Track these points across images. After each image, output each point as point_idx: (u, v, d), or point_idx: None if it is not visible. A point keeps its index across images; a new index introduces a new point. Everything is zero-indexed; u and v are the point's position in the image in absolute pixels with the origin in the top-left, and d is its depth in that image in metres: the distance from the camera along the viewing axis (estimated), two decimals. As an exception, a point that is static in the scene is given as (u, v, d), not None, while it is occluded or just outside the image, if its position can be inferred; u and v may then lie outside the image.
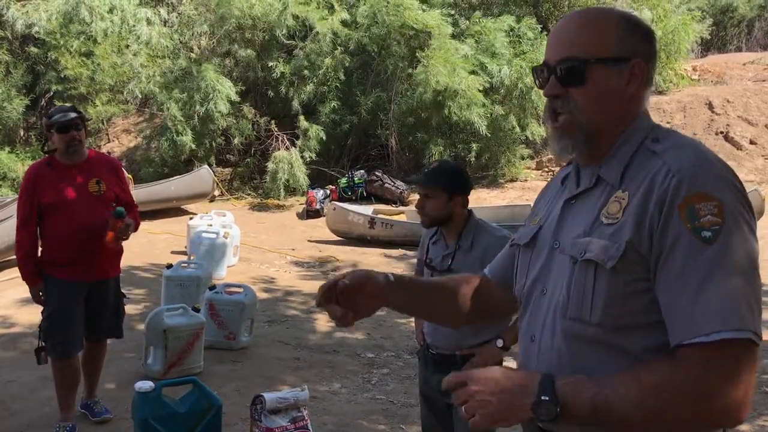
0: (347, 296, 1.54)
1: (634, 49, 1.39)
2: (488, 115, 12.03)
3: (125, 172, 4.50)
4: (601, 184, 1.41)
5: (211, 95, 12.40)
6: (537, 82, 1.48)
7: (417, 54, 12.32)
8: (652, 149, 1.36)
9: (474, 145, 12.42)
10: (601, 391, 1.24)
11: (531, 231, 1.54)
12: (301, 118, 12.81)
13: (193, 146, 12.81)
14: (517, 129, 12.38)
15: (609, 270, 1.30)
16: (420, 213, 2.91)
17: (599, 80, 1.38)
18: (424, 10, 12.34)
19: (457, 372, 1.38)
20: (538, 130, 12.59)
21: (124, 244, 4.19)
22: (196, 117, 12.63)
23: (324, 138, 12.61)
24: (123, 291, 4.36)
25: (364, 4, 12.56)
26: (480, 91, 11.98)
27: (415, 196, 11.40)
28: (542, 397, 1.26)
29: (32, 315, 4.26)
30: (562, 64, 1.40)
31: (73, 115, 3.95)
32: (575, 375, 1.30)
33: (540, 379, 1.29)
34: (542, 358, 1.42)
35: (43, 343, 4.01)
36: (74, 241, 3.93)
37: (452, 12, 13.37)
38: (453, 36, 12.64)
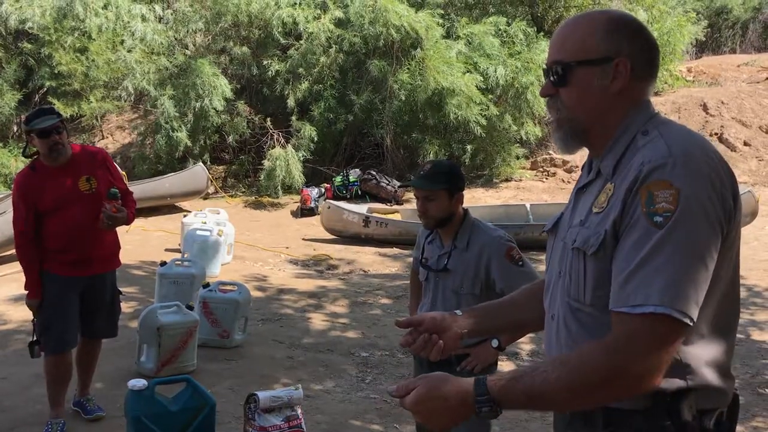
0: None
1: (618, 48, 1.47)
2: (484, 115, 12.02)
3: (118, 168, 4.46)
4: (600, 177, 1.52)
5: (207, 92, 12.37)
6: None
7: (411, 53, 12.31)
8: (638, 143, 1.44)
9: (469, 145, 12.43)
10: (533, 380, 1.37)
11: (554, 218, 1.68)
12: (294, 116, 12.80)
13: (189, 143, 12.78)
14: (513, 128, 12.40)
15: (591, 256, 1.43)
16: (423, 216, 2.86)
17: (581, 81, 1.49)
18: (411, 13, 12.25)
19: (399, 387, 1.49)
20: (533, 130, 12.60)
21: (119, 239, 4.17)
22: (191, 114, 12.59)
23: (316, 137, 12.59)
24: (119, 289, 4.33)
25: (353, 3, 12.54)
26: (477, 88, 11.98)
27: (410, 195, 11.49)
28: (480, 402, 1.39)
29: (25, 312, 4.24)
30: (552, 66, 1.52)
31: (52, 120, 3.86)
32: (501, 373, 1.48)
33: (474, 386, 1.41)
34: (560, 335, 1.54)
35: (37, 337, 3.99)
36: (71, 242, 3.92)
37: (444, 12, 13.34)
38: (444, 37, 12.63)
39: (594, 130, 1.51)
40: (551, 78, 1.52)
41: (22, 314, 4.41)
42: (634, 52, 1.48)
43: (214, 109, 12.50)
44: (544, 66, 1.56)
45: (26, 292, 4.02)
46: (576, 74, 1.49)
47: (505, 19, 13.11)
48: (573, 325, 1.50)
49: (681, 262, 1.30)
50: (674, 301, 1.29)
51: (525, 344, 5.57)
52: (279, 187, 12.20)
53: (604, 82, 1.48)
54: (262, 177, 12.46)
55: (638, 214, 1.34)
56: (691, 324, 1.31)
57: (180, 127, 12.57)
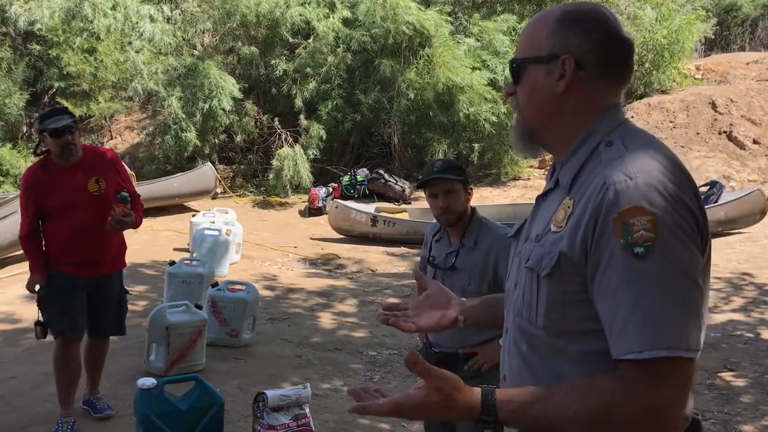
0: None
1: (566, 45, 1.37)
2: (494, 113, 12.00)
3: (127, 168, 4.47)
4: (558, 187, 1.41)
5: (215, 92, 12.40)
6: None
7: (419, 51, 12.30)
8: (601, 156, 1.33)
9: (477, 144, 12.41)
10: (547, 409, 1.26)
11: (519, 224, 1.57)
12: (302, 116, 12.81)
13: (198, 143, 12.82)
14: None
15: (545, 278, 1.32)
16: (445, 212, 2.80)
17: (529, 79, 1.41)
18: (421, 10, 12.29)
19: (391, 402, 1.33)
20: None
21: (127, 240, 4.18)
22: (199, 114, 12.63)
23: (324, 136, 12.61)
24: (126, 288, 4.36)
25: (362, 3, 12.55)
26: (486, 85, 11.97)
27: (418, 194, 11.48)
28: (485, 422, 1.30)
29: (35, 311, 4.26)
30: (510, 64, 1.46)
31: (66, 120, 3.89)
32: (513, 390, 1.32)
33: (481, 404, 1.29)
34: (511, 353, 1.45)
35: (42, 319, 4.02)
36: (78, 243, 3.93)
37: (452, 10, 13.34)
38: (453, 34, 12.63)
39: (544, 132, 1.43)
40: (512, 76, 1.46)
41: (33, 313, 4.45)
42: (585, 49, 1.36)
43: (222, 109, 12.53)
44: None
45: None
46: (525, 72, 1.42)
47: (515, 17, 13.09)
48: (523, 346, 1.40)
49: (676, 293, 1.21)
50: (682, 340, 1.21)
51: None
52: (288, 187, 12.22)
53: (549, 81, 1.38)
54: (271, 176, 12.48)
55: (614, 247, 1.23)
56: (698, 353, 1.24)
57: (189, 127, 12.62)
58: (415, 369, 1.29)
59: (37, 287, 3.99)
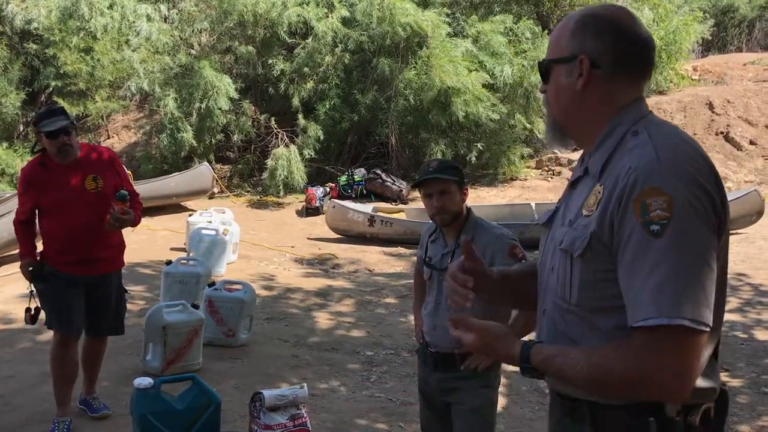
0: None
1: (582, 46, 1.50)
2: (494, 111, 11.99)
3: (124, 168, 4.47)
4: (588, 175, 1.53)
5: (211, 92, 12.38)
6: None
7: (418, 53, 12.31)
8: (629, 144, 1.45)
9: (475, 145, 12.41)
10: (564, 363, 1.44)
11: (550, 212, 1.68)
12: (300, 116, 12.81)
13: (194, 143, 12.81)
14: (523, 126, 12.38)
15: (578, 258, 1.45)
16: (440, 212, 2.80)
17: (555, 79, 1.56)
18: (419, 10, 12.27)
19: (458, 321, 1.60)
20: (542, 129, 12.58)
21: (125, 239, 4.18)
22: (195, 114, 12.61)
23: (321, 136, 12.60)
24: (124, 287, 4.35)
25: (360, 2, 12.55)
26: (484, 86, 11.97)
27: (415, 195, 11.48)
28: (523, 367, 1.52)
29: (28, 300, 4.26)
30: (539, 66, 1.61)
31: (62, 121, 3.87)
32: (546, 345, 1.52)
33: (519, 353, 1.52)
34: (549, 329, 1.58)
35: (32, 306, 4.03)
36: (76, 241, 3.93)
37: (450, 11, 13.34)
38: (450, 36, 12.63)
39: (570, 126, 1.57)
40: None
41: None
42: (599, 50, 1.49)
43: (219, 108, 12.52)
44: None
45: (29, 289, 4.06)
46: (552, 73, 1.56)
47: (512, 17, 13.09)
48: (560, 323, 1.53)
49: (686, 268, 1.31)
50: (686, 310, 1.29)
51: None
52: (281, 187, 12.22)
53: (570, 80, 1.52)
54: (265, 176, 12.47)
55: (633, 224, 1.34)
56: (708, 330, 1.32)
57: (185, 127, 12.60)
58: (458, 325, 1.58)
59: (31, 268, 3.98)
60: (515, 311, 2.75)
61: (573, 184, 1.59)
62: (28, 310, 4.08)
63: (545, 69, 1.57)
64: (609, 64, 1.49)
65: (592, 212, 1.43)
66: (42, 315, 4.11)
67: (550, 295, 1.57)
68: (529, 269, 1.85)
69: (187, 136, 12.59)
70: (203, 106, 12.47)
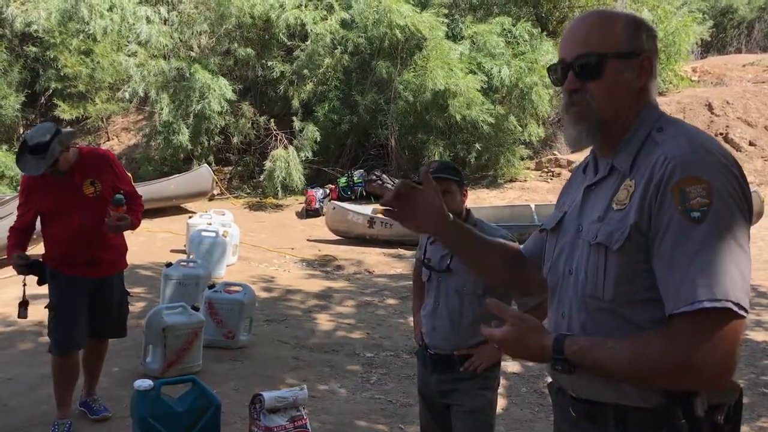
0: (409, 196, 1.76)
1: (642, 45, 1.53)
2: (490, 114, 12.01)
3: (124, 170, 4.47)
4: (614, 173, 1.53)
5: (206, 94, 12.39)
6: (552, 79, 1.62)
7: (415, 55, 12.32)
8: (656, 139, 1.48)
9: (474, 146, 12.43)
10: (602, 353, 1.43)
11: (556, 217, 1.68)
12: (296, 117, 12.81)
13: (190, 146, 12.80)
14: (518, 129, 12.39)
15: (616, 251, 1.44)
16: None
17: (614, 73, 1.51)
18: (416, 12, 12.28)
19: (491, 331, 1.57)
20: (536, 131, 12.60)
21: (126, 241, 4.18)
22: (191, 116, 12.61)
23: (319, 138, 12.61)
24: (127, 289, 4.35)
25: (357, 3, 12.56)
26: (479, 90, 11.98)
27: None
28: (555, 360, 1.48)
29: (32, 313, 4.26)
30: (579, 60, 1.53)
31: (42, 161, 3.74)
32: (580, 337, 1.49)
33: (553, 344, 1.48)
34: (573, 331, 1.55)
35: (27, 299, 4.06)
36: (76, 245, 3.93)
37: (449, 12, 13.35)
38: (448, 37, 12.64)
39: (614, 124, 1.54)
40: (576, 71, 1.52)
41: (31, 316, 4.45)
42: (652, 50, 1.55)
43: (216, 111, 12.51)
44: (567, 60, 1.54)
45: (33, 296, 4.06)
46: (610, 66, 1.51)
47: (510, 19, 13.10)
48: (588, 323, 1.51)
49: (728, 253, 1.32)
50: (731, 294, 1.31)
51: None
52: (279, 188, 12.22)
53: (631, 77, 1.52)
54: (263, 177, 12.47)
55: (672, 212, 1.36)
56: (746, 315, 1.33)
57: (180, 129, 12.58)
58: (494, 310, 1.56)
59: (21, 261, 3.97)
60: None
61: (590, 188, 1.58)
62: (21, 304, 4.08)
63: (600, 62, 1.50)
64: (653, 67, 1.55)
65: (625, 206, 1.44)
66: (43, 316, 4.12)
67: (570, 297, 1.55)
68: (500, 245, 1.90)
69: (183, 138, 12.58)
70: (198, 108, 12.47)
